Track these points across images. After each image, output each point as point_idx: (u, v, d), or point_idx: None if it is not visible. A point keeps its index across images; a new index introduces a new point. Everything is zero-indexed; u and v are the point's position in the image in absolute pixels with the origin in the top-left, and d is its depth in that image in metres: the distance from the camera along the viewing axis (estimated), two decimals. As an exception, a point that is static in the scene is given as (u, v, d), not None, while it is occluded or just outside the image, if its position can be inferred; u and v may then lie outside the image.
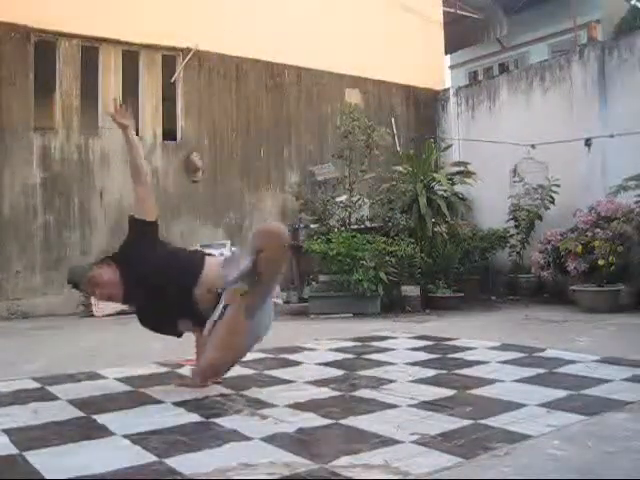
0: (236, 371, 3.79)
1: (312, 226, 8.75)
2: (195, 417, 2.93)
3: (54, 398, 3.38)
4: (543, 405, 3.03)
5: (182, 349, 4.13)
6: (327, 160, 9.67)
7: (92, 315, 7.64)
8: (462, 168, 8.90)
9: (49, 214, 8.00)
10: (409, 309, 7.55)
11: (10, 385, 3.68)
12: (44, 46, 8.12)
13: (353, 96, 10.40)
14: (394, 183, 8.62)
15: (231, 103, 9.41)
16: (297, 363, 4.25)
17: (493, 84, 10.50)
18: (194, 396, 3.32)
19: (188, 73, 9.07)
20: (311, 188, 9.64)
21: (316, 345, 5.09)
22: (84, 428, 2.80)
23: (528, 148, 9.16)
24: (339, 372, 3.95)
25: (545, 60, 10.30)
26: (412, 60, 11.10)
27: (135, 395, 3.43)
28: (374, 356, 4.50)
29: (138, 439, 2.60)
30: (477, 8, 14.21)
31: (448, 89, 11.41)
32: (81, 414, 3.04)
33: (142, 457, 2.39)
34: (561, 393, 3.26)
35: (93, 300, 7.69)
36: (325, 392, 3.41)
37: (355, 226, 8.37)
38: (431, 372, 3.90)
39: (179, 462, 2.31)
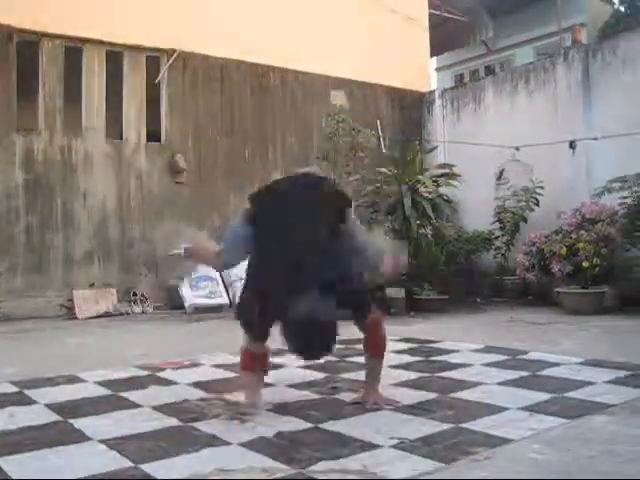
0: (217, 374, 3.75)
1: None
2: (174, 421, 2.91)
3: (32, 402, 3.34)
4: (525, 408, 3.02)
5: (163, 352, 4.09)
6: (312, 162, 9.62)
7: (75, 317, 7.57)
8: (447, 170, 8.87)
9: (32, 216, 7.90)
10: (394, 311, 7.52)
11: (-13, 389, 3.62)
12: (27, 46, 8.02)
13: (338, 98, 10.37)
14: (379, 185, 8.60)
15: (216, 104, 9.36)
16: (279, 366, 4.21)
17: (478, 86, 10.50)
18: (173, 400, 3.29)
19: (172, 74, 9.01)
20: (296, 190, 9.57)
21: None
22: (61, 433, 2.77)
23: (513, 150, 9.17)
24: (320, 375, 3.93)
25: (530, 63, 10.32)
26: (398, 62, 11.08)
27: (114, 399, 3.39)
28: (356, 359, 4.45)
29: (114, 444, 2.56)
30: (463, 11, 14.25)
31: (434, 91, 11.40)
32: (58, 418, 3.01)
33: (117, 462, 2.36)
34: (544, 396, 3.25)
35: (75, 302, 7.65)
36: (305, 395, 3.39)
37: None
38: (414, 375, 3.88)
39: (154, 468, 2.28)
